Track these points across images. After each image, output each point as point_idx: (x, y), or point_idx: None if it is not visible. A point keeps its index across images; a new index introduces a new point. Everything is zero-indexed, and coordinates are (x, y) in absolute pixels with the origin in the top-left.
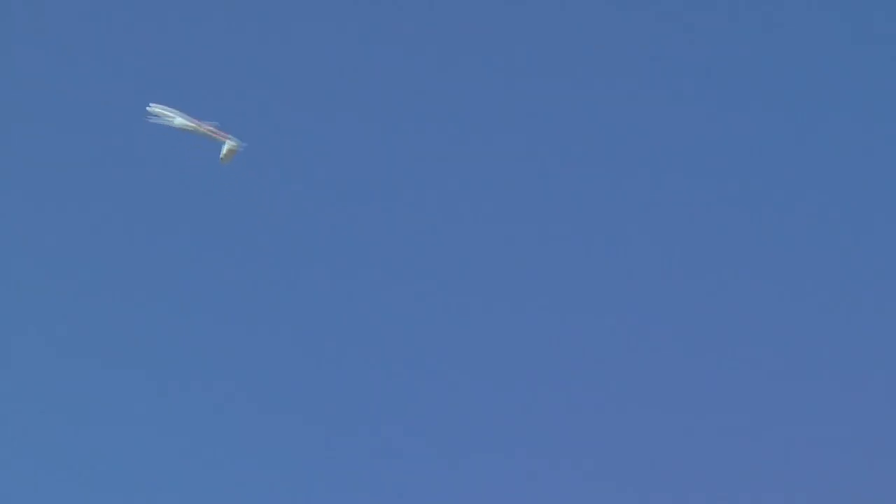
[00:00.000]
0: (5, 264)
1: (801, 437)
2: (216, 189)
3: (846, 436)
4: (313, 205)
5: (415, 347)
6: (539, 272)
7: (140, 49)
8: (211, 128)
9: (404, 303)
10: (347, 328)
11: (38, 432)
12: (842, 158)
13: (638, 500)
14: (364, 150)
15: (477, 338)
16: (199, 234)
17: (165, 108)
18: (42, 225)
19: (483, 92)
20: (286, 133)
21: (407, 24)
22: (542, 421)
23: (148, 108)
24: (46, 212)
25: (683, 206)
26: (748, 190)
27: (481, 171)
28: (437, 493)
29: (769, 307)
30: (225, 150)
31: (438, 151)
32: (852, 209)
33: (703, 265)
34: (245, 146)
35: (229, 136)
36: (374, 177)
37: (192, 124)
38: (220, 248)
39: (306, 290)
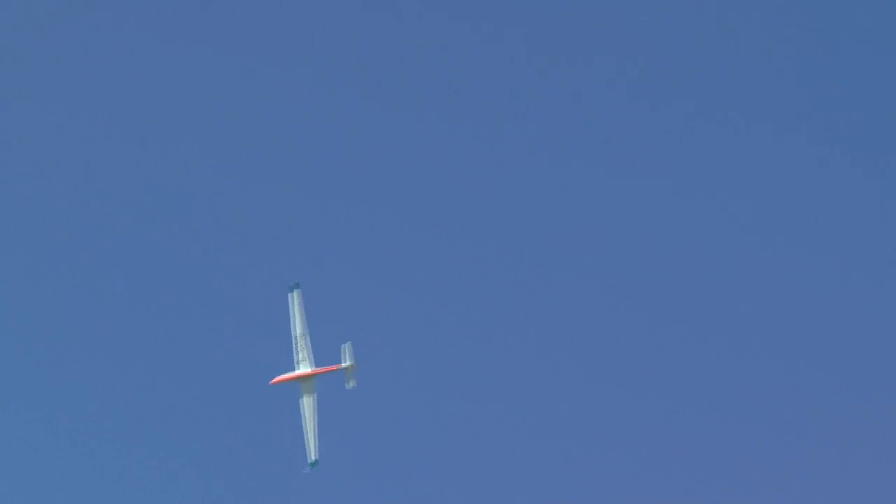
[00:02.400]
0: None
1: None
2: None
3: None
4: None
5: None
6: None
7: None
8: (325, 368)
9: None
10: None
11: None
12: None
13: None
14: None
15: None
16: None
17: (284, 375)
18: None
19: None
20: None
21: None
22: None
23: (270, 383)
24: None
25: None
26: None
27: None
28: None
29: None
30: (350, 378)
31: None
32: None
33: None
34: (357, 368)
35: (338, 365)
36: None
37: (309, 372)
38: None
39: None
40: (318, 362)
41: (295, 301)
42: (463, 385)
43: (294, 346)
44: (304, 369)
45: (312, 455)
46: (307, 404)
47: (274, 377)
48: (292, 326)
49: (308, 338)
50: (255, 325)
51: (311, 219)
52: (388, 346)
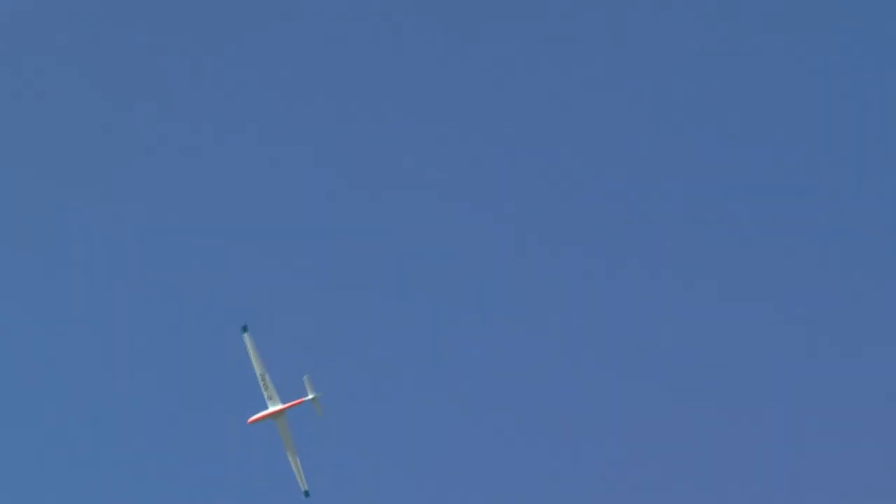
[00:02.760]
0: None
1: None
2: None
3: None
4: None
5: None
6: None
7: None
8: (291, 403)
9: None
10: None
11: None
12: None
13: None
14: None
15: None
16: None
17: (258, 414)
18: None
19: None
20: None
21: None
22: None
23: (248, 422)
24: None
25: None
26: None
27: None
28: None
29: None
30: (318, 408)
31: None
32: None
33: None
34: (322, 394)
35: (303, 398)
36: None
37: (279, 409)
38: None
39: None
40: (286, 397)
41: (248, 343)
42: (423, 396)
43: (262, 385)
44: (273, 406)
45: (303, 486)
46: (285, 439)
47: (249, 417)
48: (255, 367)
49: (268, 376)
50: (228, 367)
51: (253, 261)
52: (347, 370)
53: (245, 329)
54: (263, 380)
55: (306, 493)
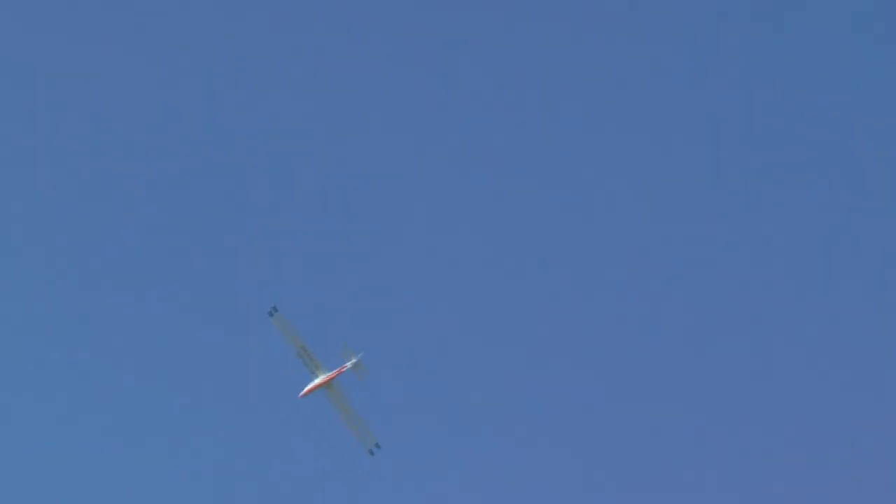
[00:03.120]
0: None
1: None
2: None
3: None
4: None
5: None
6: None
7: None
8: (336, 370)
9: None
10: None
11: None
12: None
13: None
14: None
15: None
16: None
17: (308, 386)
18: None
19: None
20: None
21: None
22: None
23: (300, 396)
24: None
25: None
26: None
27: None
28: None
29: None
30: (359, 372)
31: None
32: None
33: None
34: (362, 354)
35: (346, 365)
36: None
37: (328, 377)
38: None
39: None
40: (329, 366)
41: (281, 323)
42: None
43: (302, 360)
44: (321, 376)
45: (371, 442)
46: (340, 404)
47: (299, 392)
48: (292, 345)
49: (309, 349)
50: (260, 351)
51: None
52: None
53: (273, 312)
54: (306, 353)
55: (377, 446)
